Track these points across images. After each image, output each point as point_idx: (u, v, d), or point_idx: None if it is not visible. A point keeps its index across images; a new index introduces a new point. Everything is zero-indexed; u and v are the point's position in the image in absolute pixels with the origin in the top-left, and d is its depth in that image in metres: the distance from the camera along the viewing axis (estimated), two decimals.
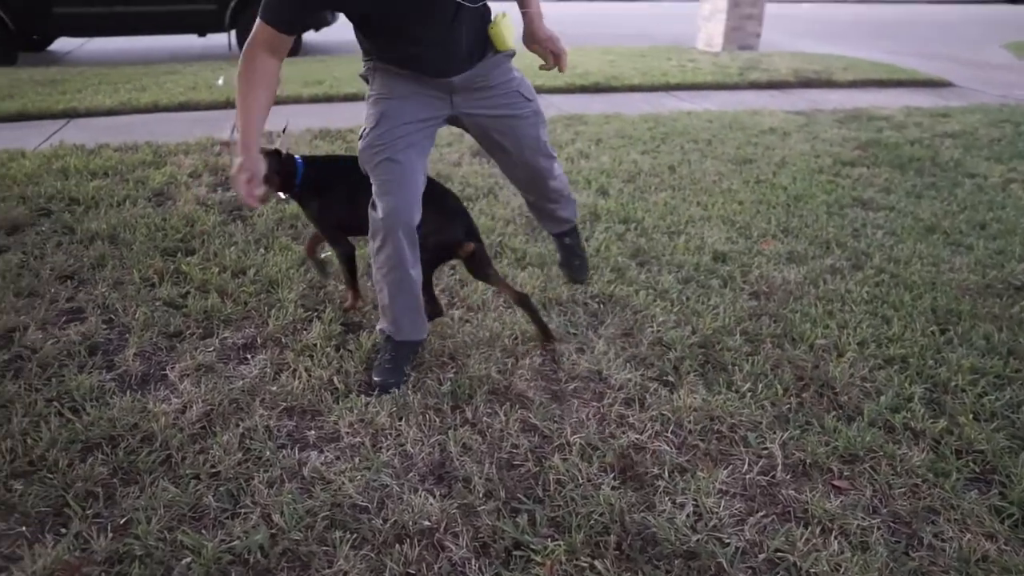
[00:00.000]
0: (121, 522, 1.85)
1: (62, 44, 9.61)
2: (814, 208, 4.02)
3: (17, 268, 3.13)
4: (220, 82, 6.89)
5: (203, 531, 1.83)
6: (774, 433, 2.21)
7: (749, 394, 2.39)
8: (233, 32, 8.57)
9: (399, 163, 2.24)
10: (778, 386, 2.42)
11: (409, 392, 2.36)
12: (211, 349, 2.60)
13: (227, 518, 1.87)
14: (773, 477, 2.05)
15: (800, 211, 3.97)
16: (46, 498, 1.91)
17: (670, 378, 2.49)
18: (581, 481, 2.00)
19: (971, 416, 2.30)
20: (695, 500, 1.94)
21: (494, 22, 2.26)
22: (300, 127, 5.47)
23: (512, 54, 2.35)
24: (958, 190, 4.38)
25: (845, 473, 2.07)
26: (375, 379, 2.42)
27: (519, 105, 2.39)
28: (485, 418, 2.27)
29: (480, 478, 2.00)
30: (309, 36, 9.33)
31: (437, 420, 2.25)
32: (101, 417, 2.20)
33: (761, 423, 2.26)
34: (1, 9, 7.90)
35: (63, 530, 1.83)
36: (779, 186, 4.36)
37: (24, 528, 1.83)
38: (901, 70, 8.50)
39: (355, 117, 5.85)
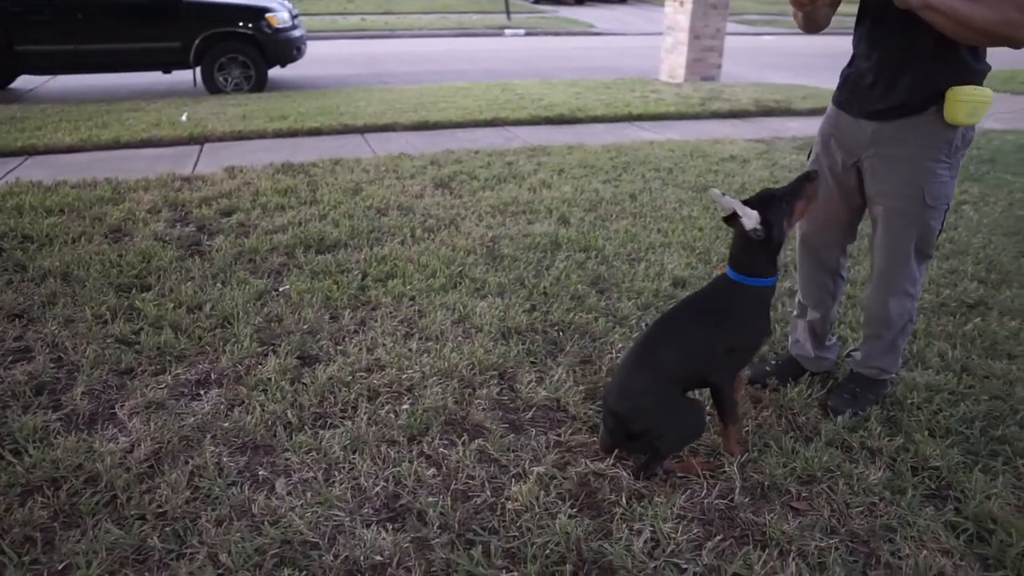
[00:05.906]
0: (60, 568, 1.78)
1: (24, 81, 9.53)
2: None
3: None
4: (184, 118, 6.85)
5: (147, 574, 1.77)
6: (732, 456, 2.20)
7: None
8: (198, 69, 8.56)
9: None
10: None
11: (363, 424, 2.32)
12: (163, 386, 2.54)
13: (173, 559, 1.82)
14: (731, 500, 2.04)
15: None
16: None
17: None
18: (538, 510, 1.97)
19: (927, 433, 2.31)
20: (652, 526, 1.92)
21: None
22: (264, 161, 5.45)
23: None
24: None
25: (803, 494, 2.07)
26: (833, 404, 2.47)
27: None
28: (441, 449, 2.23)
29: (435, 511, 1.97)
30: (275, 72, 9.35)
31: (392, 453, 2.21)
32: (44, 459, 2.13)
33: (720, 446, 2.25)
34: None
35: None
36: None
37: None
38: None
39: (318, 151, 5.87)
